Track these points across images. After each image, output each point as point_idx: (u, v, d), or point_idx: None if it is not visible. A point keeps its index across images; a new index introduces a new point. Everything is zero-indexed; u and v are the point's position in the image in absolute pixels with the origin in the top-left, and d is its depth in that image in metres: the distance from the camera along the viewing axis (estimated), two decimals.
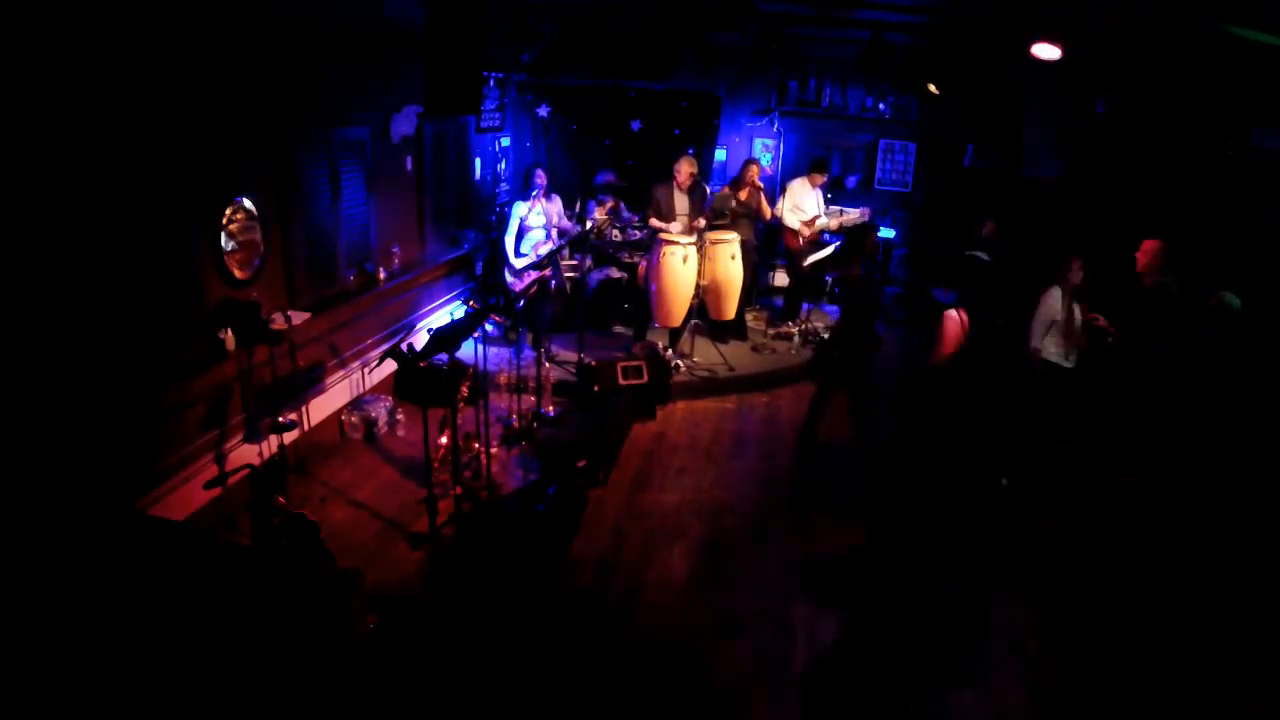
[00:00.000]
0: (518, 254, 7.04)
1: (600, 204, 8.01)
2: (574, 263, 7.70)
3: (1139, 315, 4.90)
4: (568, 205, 7.80)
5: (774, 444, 6.09)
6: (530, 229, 7.06)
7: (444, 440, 4.84)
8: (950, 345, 4.85)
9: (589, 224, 7.67)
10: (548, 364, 6.38)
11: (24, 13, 3.36)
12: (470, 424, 5.27)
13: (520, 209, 7.00)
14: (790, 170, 9.23)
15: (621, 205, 8.22)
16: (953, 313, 4.40)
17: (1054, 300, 5.33)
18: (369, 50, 5.91)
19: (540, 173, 7.07)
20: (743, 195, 7.53)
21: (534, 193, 7.02)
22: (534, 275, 6.53)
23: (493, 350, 6.47)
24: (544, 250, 6.88)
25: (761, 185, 7.65)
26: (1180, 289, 5.06)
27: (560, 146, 9.12)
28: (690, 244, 6.83)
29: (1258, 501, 3.66)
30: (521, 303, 6.51)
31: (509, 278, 7.04)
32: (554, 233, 7.13)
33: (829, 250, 7.81)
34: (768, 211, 7.78)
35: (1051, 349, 5.35)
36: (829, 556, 4.58)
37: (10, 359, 3.45)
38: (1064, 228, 6.61)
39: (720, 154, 9.53)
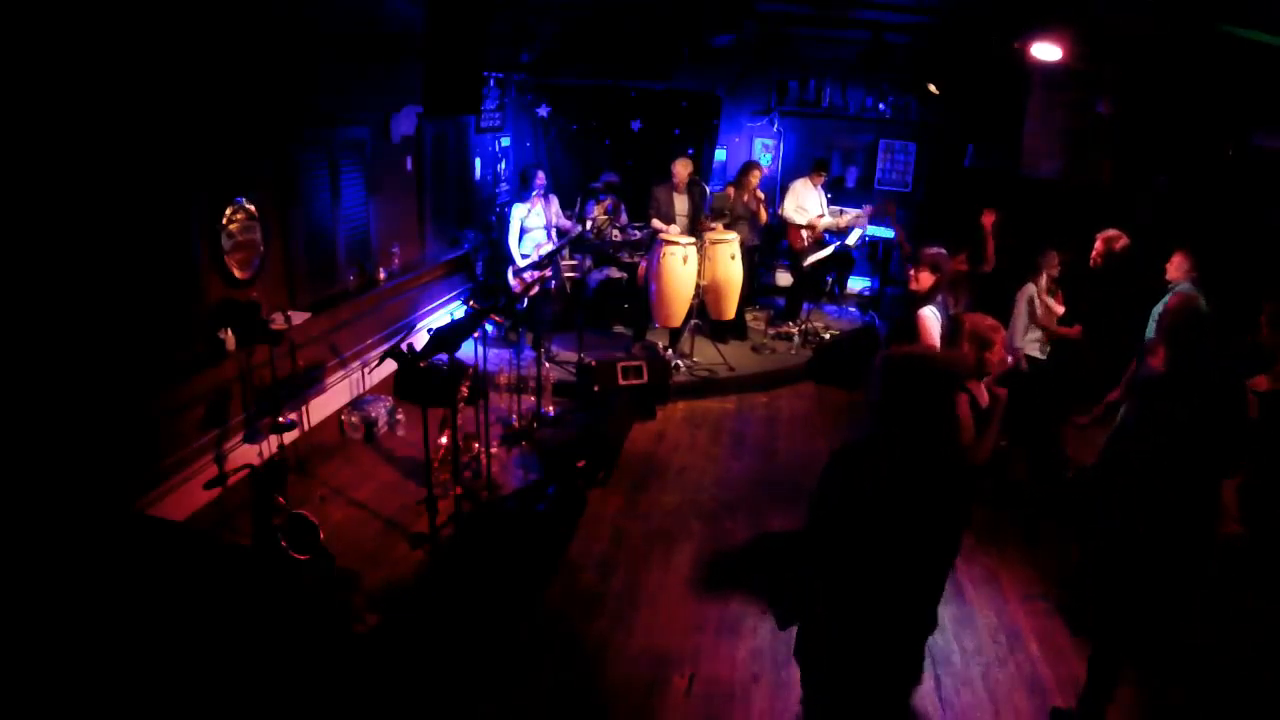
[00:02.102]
0: (521, 255, 7.05)
1: (599, 202, 8.02)
2: (574, 263, 7.70)
3: (1095, 307, 5.02)
4: (567, 205, 7.80)
5: (774, 444, 6.09)
6: (530, 230, 7.07)
7: (444, 440, 4.84)
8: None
9: (588, 223, 7.68)
10: (548, 364, 6.38)
11: (26, 12, 3.36)
12: (470, 424, 5.27)
13: (519, 210, 7.01)
14: (791, 170, 9.24)
15: (622, 207, 8.21)
16: (927, 311, 4.33)
17: (1030, 296, 5.50)
18: (369, 50, 5.91)
19: (540, 174, 7.07)
20: (744, 199, 7.56)
21: (533, 193, 7.03)
22: (534, 275, 6.53)
23: (493, 350, 6.47)
24: (545, 250, 6.89)
25: (762, 196, 7.65)
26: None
27: (560, 146, 9.12)
28: (690, 244, 6.84)
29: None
30: (523, 304, 6.52)
31: (511, 279, 7.05)
32: (554, 233, 7.14)
33: (829, 250, 7.82)
34: (764, 216, 7.79)
35: (1031, 343, 5.52)
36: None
37: (11, 359, 3.45)
38: (1064, 228, 6.62)
39: (720, 154, 9.53)
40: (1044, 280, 5.51)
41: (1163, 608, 3.23)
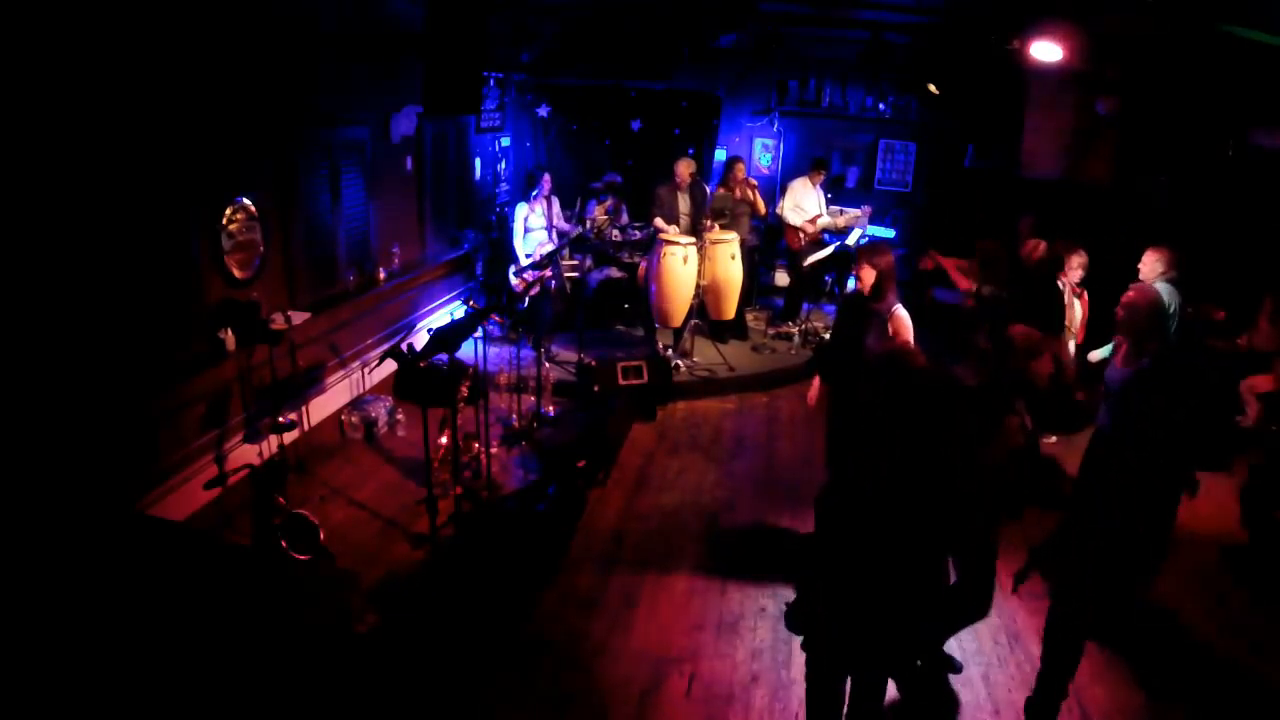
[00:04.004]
0: (525, 254, 7.05)
1: (600, 202, 8.02)
2: (574, 263, 7.70)
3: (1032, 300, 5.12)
4: (567, 205, 7.81)
5: (774, 444, 6.09)
6: (532, 229, 7.07)
7: (444, 440, 4.84)
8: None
9: (587, 223, 7.68)
10: (548, 364, 6.38)
11: (27, 12, 3.36)
12: (470, 424, 5.27)
13: (523, 210, 7.01)
14: (790, 170, 9.24)
15: (623, 207, 8.21)
16: (900, 310, 4.15)
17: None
18: (369, 50, 5.91)
19: (546, 176, 7.09)
20: (736, 193, 7.58)
21: (536, 193, 7.04)
22: (535, 274, 6.54)
23: (493, 350, 6.47)
24: (547, 250, 6.90)
25: (755, 182, 7.69)
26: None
27: (560, 146, 9.12)
28: (690, 244, 6.84)
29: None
30: (523, 303, 6.51)
31: (512, 278, 7.05)
32: (554, 233, 7.15)
33: (829, 250, 7.82)
34: (763, 206, 7.81)
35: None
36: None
37: (11, 360, 3.45)
38: (1064, 228, 6.62)
39: (720, 154, 9.52)
40: (1067, 283, 5.49)
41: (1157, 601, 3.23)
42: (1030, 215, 7.28)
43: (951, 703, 3.54)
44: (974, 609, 3.42)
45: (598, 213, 7.89)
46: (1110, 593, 3.25)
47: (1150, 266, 4.95)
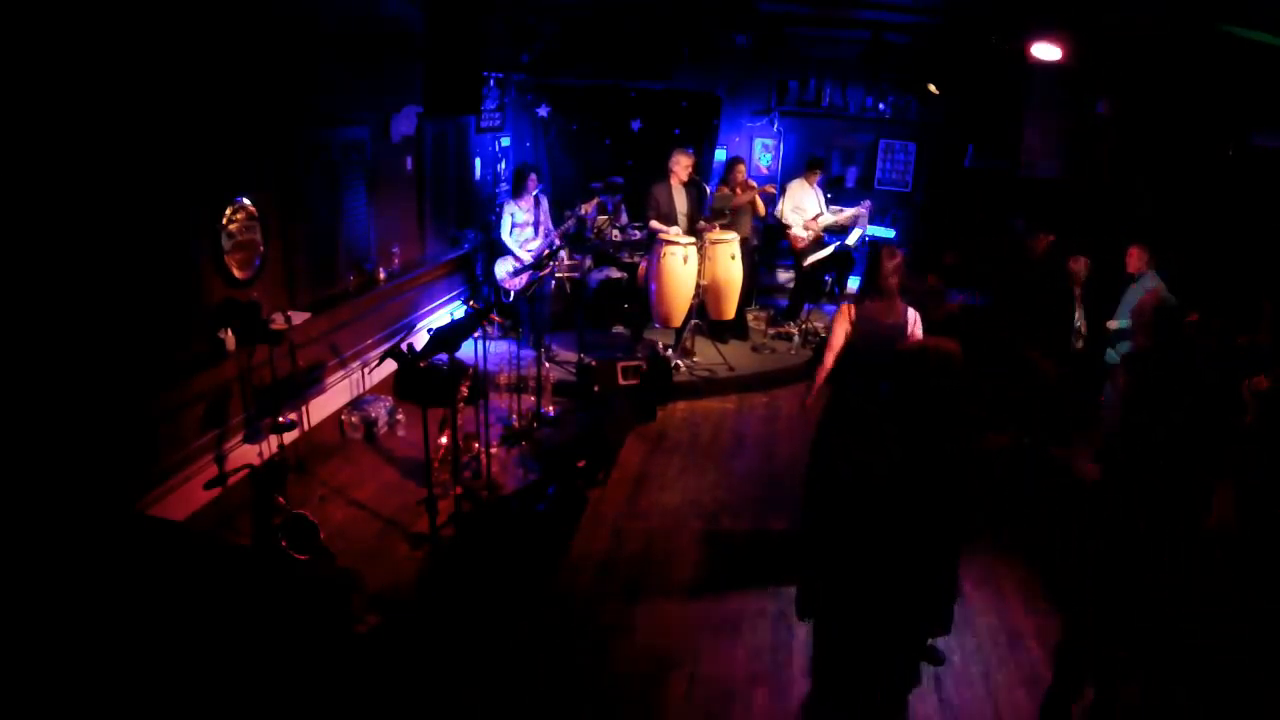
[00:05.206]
0: (510, 251, 7.04)
1: (588, 201, 7.94)
2: (574, 262, 7.69)
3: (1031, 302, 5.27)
4: (568, 205, 7.78)
5: (774, 444, 6.09)
6: (520, 225, 7.05)
7: (444, 440, 4.84)
8: (837, 343, 4.20)
9: (586, 222, 7.64)
10: (548, 364, 6.37)
11: (27, 12, 3.36)
12: (470, 424, 5.27)
13: (511, 207, 7.00)
14: (790, 170, 9.24)
15: (622, 207, 8.17)
16: (841, 307, 4.27)
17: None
18: (369, 50, 5.91)
19: (534, 177, 7.07)
20: (738, 193, 7.56)
21: (534, 193, 7.03)
22: (531, 276, 6.53)
23: (493, 350, 6.46)
24: (533, 246, 6.88)
25: (754, 183, 7.68)
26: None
27: (560, 146, 9.12)
28: (690, 244, 6.83)
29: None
30: (511, 299, 6.51)
31: (499, 273, 7.04)
32: (541, 230, 7.11)
33: (829, 250, 7.82)
34: (763, 207, 7.79)
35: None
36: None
37: (10, 360, 3.45)
38: (1063, 228, 6.62)
39: (720, 154, 9.52)
40: (1074, 286, 5.55)
41: (1160, 603, 3.24)
42: (1022, 217, 7.34)
43: (948, 704, 3.54)
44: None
45: (585, 209, 7.82)
46: (1115, 594, 3.26)
47: (1139, 259, 5.32)
